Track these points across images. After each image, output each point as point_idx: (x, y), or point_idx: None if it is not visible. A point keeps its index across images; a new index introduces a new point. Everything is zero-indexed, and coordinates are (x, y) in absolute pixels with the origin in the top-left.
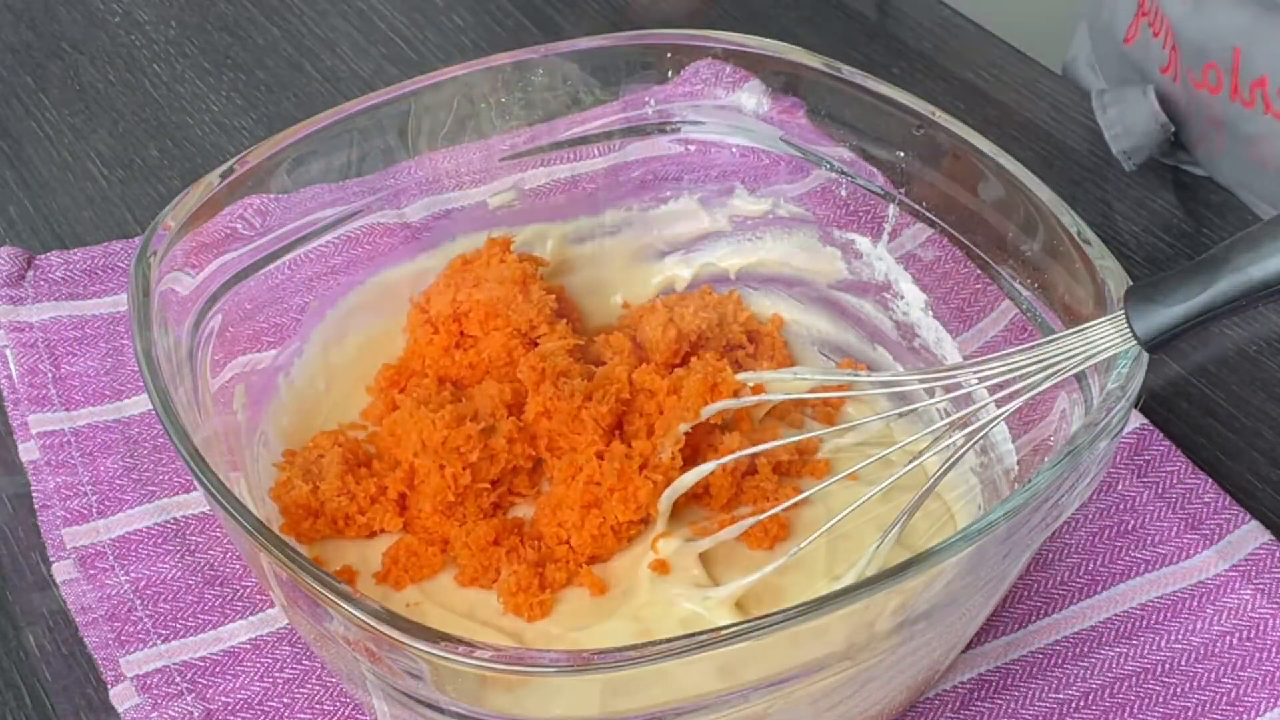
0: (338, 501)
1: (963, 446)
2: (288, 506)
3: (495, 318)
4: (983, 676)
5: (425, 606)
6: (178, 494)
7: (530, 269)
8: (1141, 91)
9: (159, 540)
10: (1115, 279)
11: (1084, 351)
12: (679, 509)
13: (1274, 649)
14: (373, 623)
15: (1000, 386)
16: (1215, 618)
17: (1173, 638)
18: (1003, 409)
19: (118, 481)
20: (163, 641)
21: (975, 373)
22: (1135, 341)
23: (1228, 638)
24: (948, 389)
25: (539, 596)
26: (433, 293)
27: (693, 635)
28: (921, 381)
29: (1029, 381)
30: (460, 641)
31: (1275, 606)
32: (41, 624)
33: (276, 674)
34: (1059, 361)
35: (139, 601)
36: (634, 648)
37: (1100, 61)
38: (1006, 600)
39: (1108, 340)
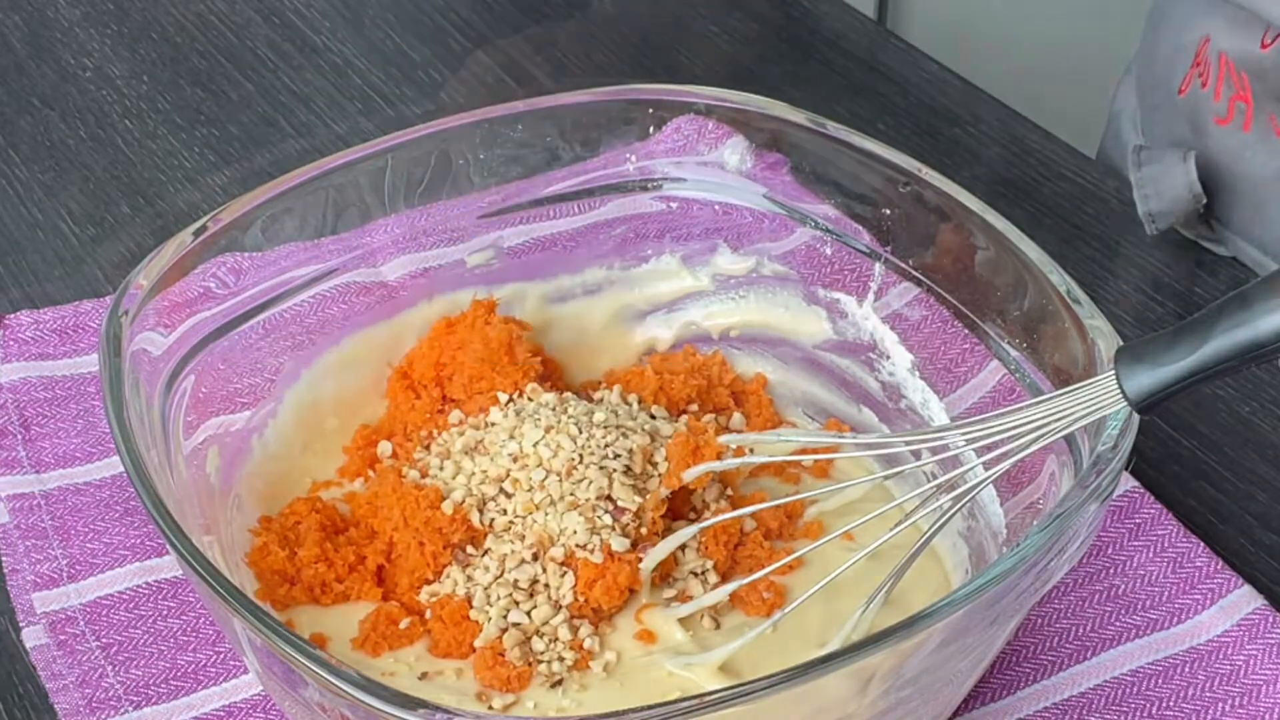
0: (315, 569)
1: (950, 509)
2: (264, 572)
3: (480, 380)
4: None
5: (401, 676)
6: (150, 558)
7: (516, 331)
8: (1181, 156)
9: (131, 605)
10: (1105, 339)
11: (1073, 413)
12: (671, 579)
13: (1266, 716)
14: (351, 690)
15: (988, 448)
16: (1207, 684)
17: (1164, 704)
18: (990, 471)
19: (89, 545)
20: (134, 709)
21: (963, 435)
22: (1125, 403)
23: (1220, 704)
24: (935, 451)
25: (515, 669)
26: (415, 356)
27: (673, 702)
28: (908, 443)
29: (1018, 443)
30: (437, 708)
31: (1268, 673)
32: (11, 692)
33: None
34: (1048, 423)
35: (110, 668)
36: (615, 714)
37: (1145, 113)
38: (995, 666)
39: (1097, 402)
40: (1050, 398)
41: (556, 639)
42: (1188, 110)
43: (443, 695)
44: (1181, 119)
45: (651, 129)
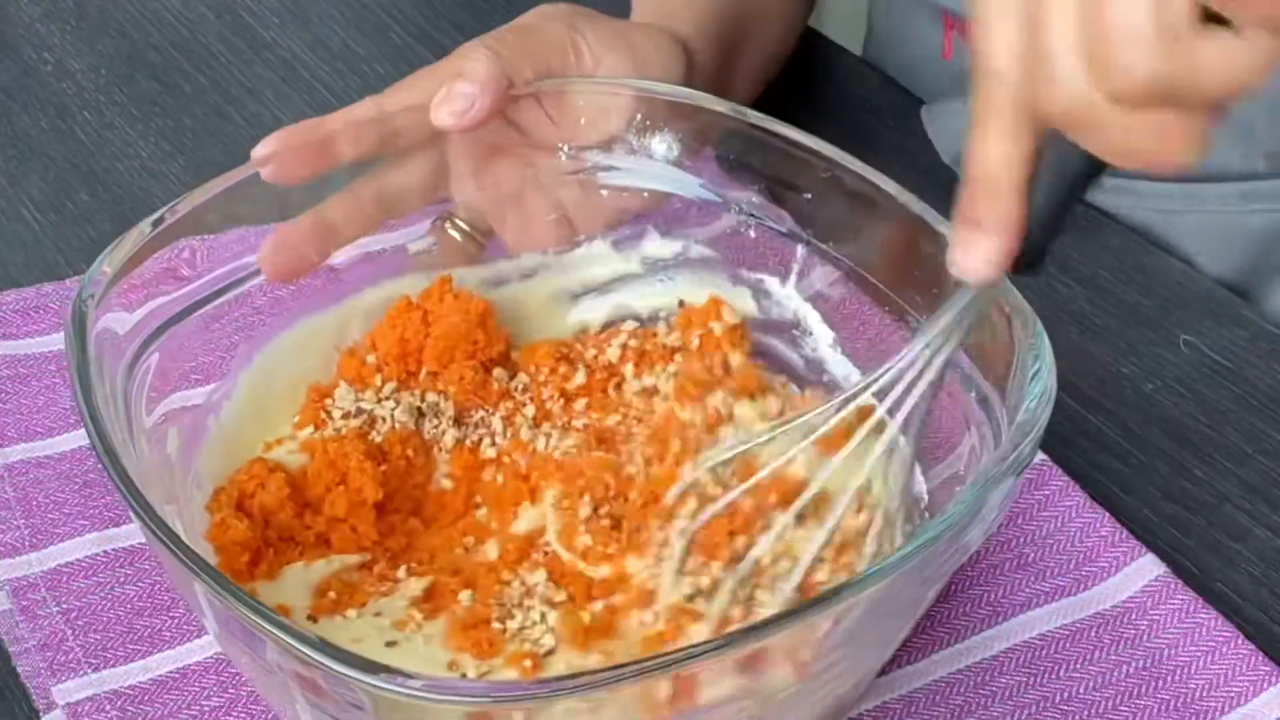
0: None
1: (882, 452)
2: (223, 545)
3: (454, 349)
4: (886, 704)
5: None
6: (108, 528)
7: (484, 304)
8: (963, 102)
9: (90, 573)
10: (1023, 316)
11: (944, 313)
12: None
13: (1169, 677)
14: (310, 653)
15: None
16: (1112, 647)
17: (1071, 667)
18: (909, 396)
19: (49, 515)
20: (93, 670)
21: (874, 389)
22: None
23: (1125, 666)
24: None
25: (487, 634)
26: (378, 335)
27: (603, 670)
28: (838, 410)
29: (924, 376)
30: (398, 672)
31: (1171, 637)
32: (11, 689)
33: (203, 702)
34: (935, 336)
35: (70, 632)
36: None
37: (922, 83)
38: (912, 631)
39: (964, 295)
40: (926, 324)
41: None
42: (957, 70)
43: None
44: (955, 80)
45: (582, 120)
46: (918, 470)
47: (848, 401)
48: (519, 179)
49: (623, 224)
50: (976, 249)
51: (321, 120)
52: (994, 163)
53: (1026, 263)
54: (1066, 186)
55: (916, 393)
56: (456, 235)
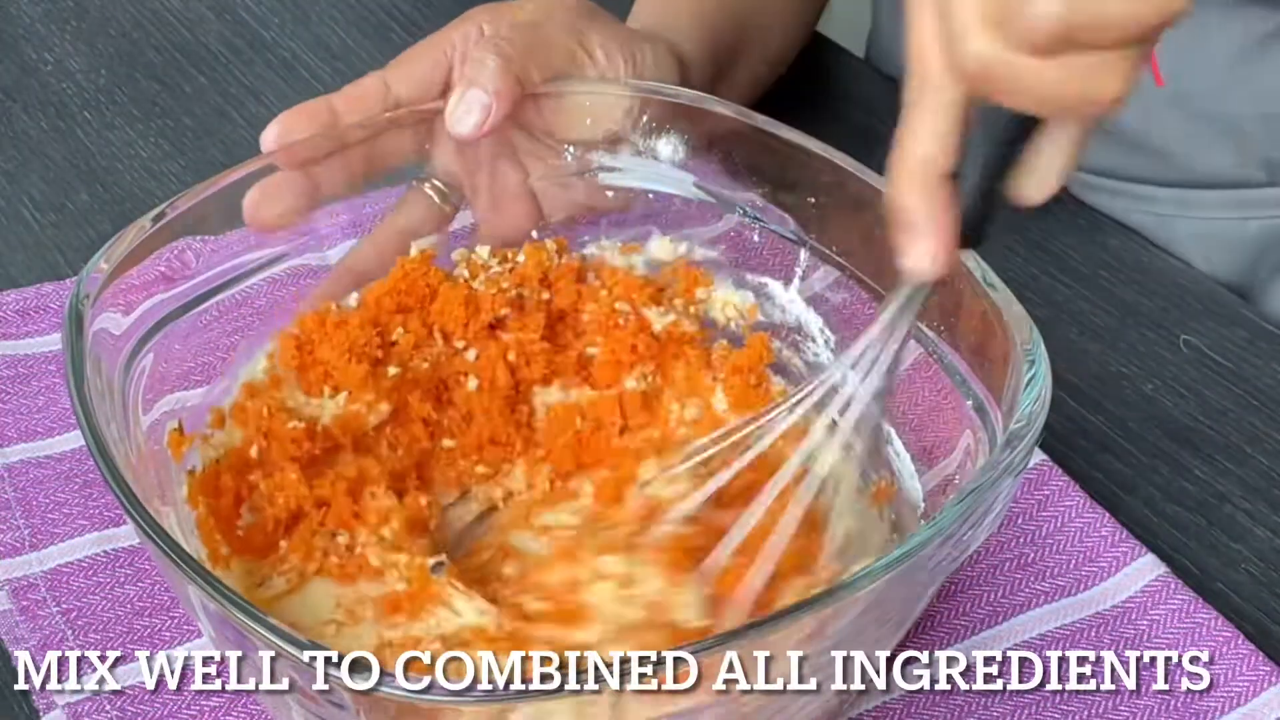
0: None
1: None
2: (208, 535)
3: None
4: (886, 705)
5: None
6: (108, 528)
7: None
8: None
9: (89, 573)
10: (1019, 322)
11: (890, 305)
12: None
13: (1167, 678)
14: (297, 653)
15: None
16: (1112, 648)
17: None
18: (874, 371)
19: (50, 515)
20: (92, 669)
21: (844, 363)
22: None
23: (1124, 666)
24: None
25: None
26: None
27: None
28: (800, 403)
29: (886, 347)
30: (384, 673)
31: (1171, 637)
32: (8, 687)
33: (203, 702)
34: (883, 329)
35: (70, 632)
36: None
37: None
38: (911, 631)
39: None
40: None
41: None
42: None
43: None
44: None
45: (589, 121)
46: (914, 473)
47: (796, 405)
48: (498, 155)
49: (587, 218)
50: (917, 250)
51: (328, 101)
52: (919, 157)
53: (971, 239)
54: (998, 157)
55: (871, 386)
56: (431, 194)
